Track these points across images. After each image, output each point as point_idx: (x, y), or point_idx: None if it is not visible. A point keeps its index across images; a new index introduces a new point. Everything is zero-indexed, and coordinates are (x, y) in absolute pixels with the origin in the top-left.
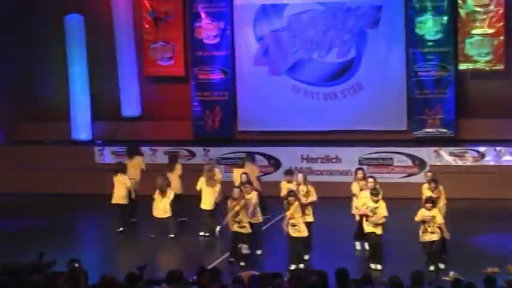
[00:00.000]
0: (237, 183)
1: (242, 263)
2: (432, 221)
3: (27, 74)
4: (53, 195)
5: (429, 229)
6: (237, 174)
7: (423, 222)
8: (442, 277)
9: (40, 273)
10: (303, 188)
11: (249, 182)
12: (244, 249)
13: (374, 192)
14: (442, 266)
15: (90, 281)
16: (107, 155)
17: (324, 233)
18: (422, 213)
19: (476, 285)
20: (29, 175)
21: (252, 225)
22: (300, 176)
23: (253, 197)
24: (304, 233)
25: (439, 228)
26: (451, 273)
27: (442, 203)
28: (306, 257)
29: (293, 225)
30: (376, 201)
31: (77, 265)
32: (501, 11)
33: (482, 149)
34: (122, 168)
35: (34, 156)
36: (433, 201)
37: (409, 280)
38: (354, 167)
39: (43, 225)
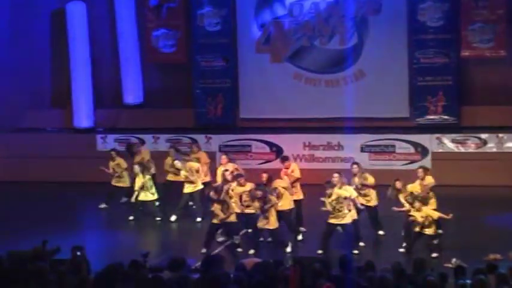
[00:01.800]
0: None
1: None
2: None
3: (29, 62)
4: (55, 183)
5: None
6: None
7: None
8: (445, 264)
9: (44, 260)
10: None
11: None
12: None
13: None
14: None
15: (93, 268)
16: (109, 143)
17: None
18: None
19: (484, 270)
20: (31, 163)
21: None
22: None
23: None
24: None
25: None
26: (453, 260)
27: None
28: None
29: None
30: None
31: (79, 253)
32: None
33: (484, 135)
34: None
35: (36, 143)
36: (422, 200)
37: (412, 267)
38: (356, 154)
39: (45, 213)
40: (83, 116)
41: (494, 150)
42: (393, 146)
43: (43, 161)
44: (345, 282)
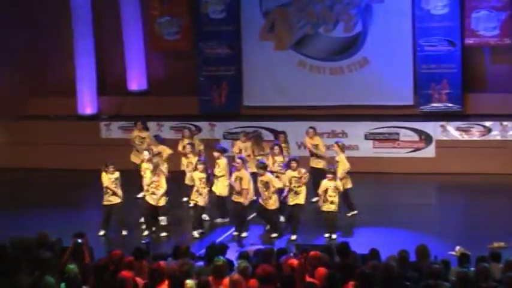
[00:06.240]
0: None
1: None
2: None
3: (34, 49)
4: (59, 170)
5: (329, 199)
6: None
7: (325, 192)
8: (449, 252)
9: (49, 249)
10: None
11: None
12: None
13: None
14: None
15: (97, 255)
16: (113, 130)
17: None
18: (325, 184)
19: (487, 258)
20: (35, 150)
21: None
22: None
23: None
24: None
25: None
26: (457, 247)
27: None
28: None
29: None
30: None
31: (80, 241)
32: None
33: (488, 123)
34: None
35: (40, 131)
36: (334, 173)
37: (415, 254)
38: (360, 142)
39: (48, 201)
40: (87, 103)
41: (499, 138)
42: (397, 133)
43: (47, 149)
44: (349, 270)
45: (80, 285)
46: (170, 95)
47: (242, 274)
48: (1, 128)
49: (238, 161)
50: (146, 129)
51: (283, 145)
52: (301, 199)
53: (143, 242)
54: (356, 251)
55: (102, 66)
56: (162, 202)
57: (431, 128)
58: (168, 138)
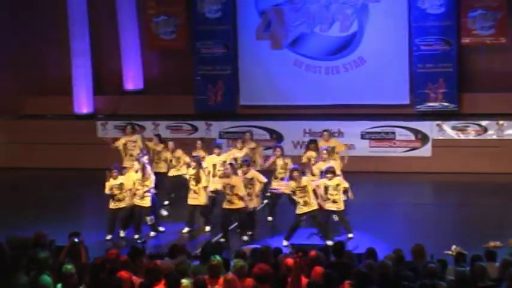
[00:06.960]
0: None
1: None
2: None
3: (30, 48)
4: (55, 169)
5: (330, 198)
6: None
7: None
8: (445, 251)
9: (45, 248)
10: None
11: None
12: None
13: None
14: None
15: (93, 254)
16: (109, 129)
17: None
18: (324, 183)
19: (482, 257)
20: (32, 149)
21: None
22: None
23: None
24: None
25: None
26: (454, 247)
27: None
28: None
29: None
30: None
31: (76, 240)
32: None
33: (484, 123)
34: None
35: (37, 130)
36: (333, 172)
37: (411, 254)
38: (357, 141)
39: (45, 199)
40: (84, 102)
41: (495, 137)
42: (393, 133)
43: (44, 148)
44: (345, 269)
45: (76, 285)
46: (166, 94)
47: (238, 273)
48: None
49: (228, 166)
50: (135, 132)
51: (313, 153)
52: (312, 206)
53: (139, 241)
54: (352, 250)
55: (99, 65)
56: (148, 203)
57: (427, 127)
58: (164, 137)
